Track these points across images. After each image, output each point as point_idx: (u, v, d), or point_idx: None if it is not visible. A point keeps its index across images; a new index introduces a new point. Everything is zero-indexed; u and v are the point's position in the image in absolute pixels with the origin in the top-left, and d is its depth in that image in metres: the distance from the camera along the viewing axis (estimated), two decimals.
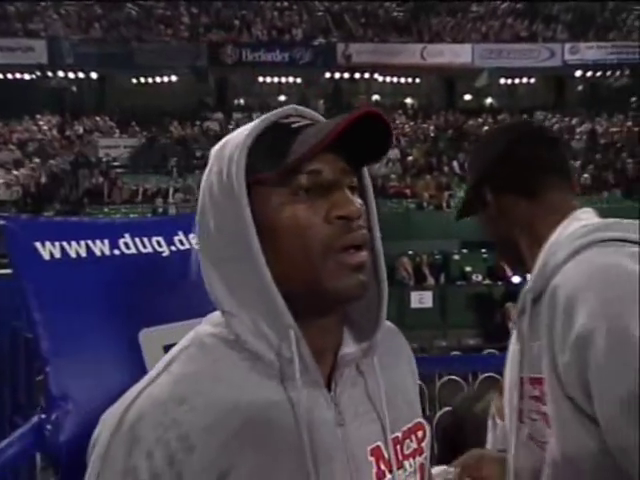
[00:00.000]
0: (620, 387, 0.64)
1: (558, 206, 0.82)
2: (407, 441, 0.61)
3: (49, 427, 0.77)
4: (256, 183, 0.54)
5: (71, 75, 15.25)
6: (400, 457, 0.59)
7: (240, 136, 0.56)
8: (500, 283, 7.97)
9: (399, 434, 0.60)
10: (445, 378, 4.94)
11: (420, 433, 0.63)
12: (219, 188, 0.55)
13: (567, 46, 15.82)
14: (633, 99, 15.93)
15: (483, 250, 8.71)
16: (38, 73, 15.03)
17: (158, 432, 0.51)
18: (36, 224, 0.92)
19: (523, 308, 0.78)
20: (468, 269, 8.60)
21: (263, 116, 0.57)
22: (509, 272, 8.04)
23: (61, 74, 15.21)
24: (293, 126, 0.56)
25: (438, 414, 4.15)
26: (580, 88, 17.76)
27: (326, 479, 0.52)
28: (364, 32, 16.27)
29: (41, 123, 14.41)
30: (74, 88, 16.56)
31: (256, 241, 0.52)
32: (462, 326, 7.53)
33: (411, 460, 0.61)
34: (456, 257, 8.87)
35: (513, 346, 0.82)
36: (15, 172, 11.67)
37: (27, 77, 15.12)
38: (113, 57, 14.80)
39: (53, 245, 0.87)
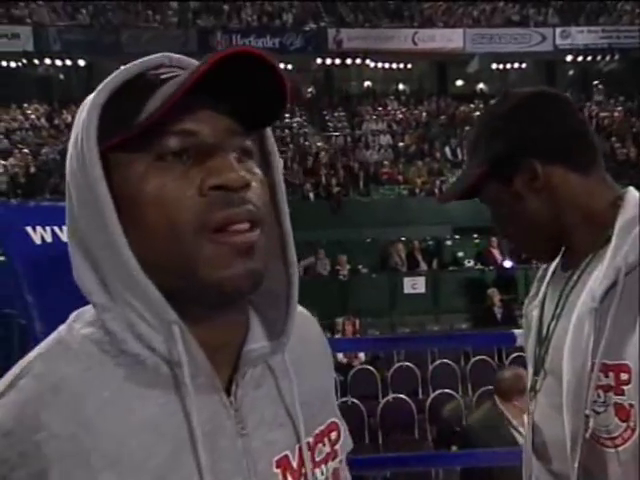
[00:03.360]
0: None
1: (608, 182, 0.77)
2: (319, 445, 0.53)
3: None
4: (113, 149, 0.44)
5: (58, 62, 14.99)
6: (310, 465, 0.51)
7: (92, 94, 0.45)
8: (491, 268, 8.05)
9: (310, 439, 0.52)
10: (437, 361, 5.03)
11: (334, 434, 0.55)
12: (75, 159, 0.45)
13: (558, 30, 15.78)
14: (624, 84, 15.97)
15: (475, 235, 8.77)
16: (24, 61, 14.76)
17: (1, 472, 0.40)
18: (27, 209, 0.94)
19: (612, 284, 0.69)
20: (460, 254, 8.67)
21: (126, 66, 0.46)
22: (499, 257, 8.12)
23: (48, 62, 14.96)
24: (162, 77, 0.45)
25: (431, 397, 4.24)
26: (571, 73, 17.77)
27: None
28: (355, 17, 16.11)
29: (29, 112, 14.20)
30: (61, 76, 16.30)
31: (115, 220, 0.43)
32: (454, 311, 7.62)
33: (323, 467, 0.53)
34: (448, 243, 8.94)
35: (577, 329, 0.72)
36: (3, 162, 11.53)
37: (13, 65, 14.86)
38: (100, 44, 14.57)
39: (44, 229, 0.88)
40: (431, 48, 15.57)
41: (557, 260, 0.85)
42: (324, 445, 0.54)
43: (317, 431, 0.54)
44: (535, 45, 15.77)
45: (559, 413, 0.75)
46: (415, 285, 7.78)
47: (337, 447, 0.55)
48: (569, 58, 16.20)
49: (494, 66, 16.74)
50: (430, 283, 7.86)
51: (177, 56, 0.49)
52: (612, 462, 0.69)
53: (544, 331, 0.81)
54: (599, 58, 16.16)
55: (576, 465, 0.71)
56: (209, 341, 0.46)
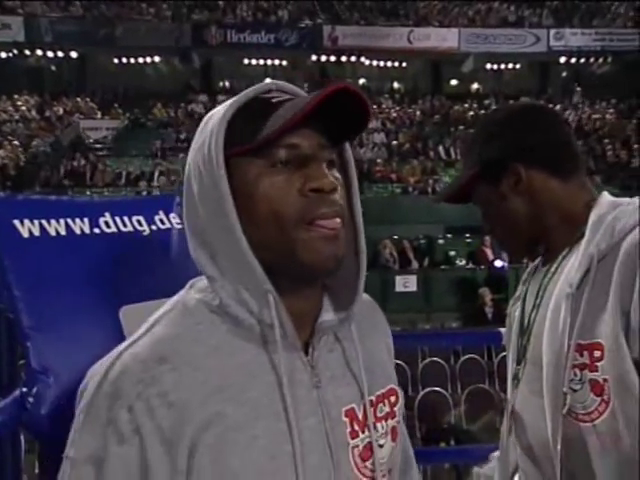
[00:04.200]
0: None
1: (586, 188, 0.84)
2: (380, 405, 0.64)
3: (30, 400, 0.78)
4: (235, 155, 0.56)
5: (50, 54, 14.81)
6: (373, 419, 0.62)
7: (222, 109, 0.58)
8: (483, 267, 8.10)
9: (373, 398, 0.63)
10: (427, 360, 5.05)
11: (393, 398, 0.66)
12: (202, 160, 0.57)
13: (552, 32, 15.87)
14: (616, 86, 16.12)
15: (467, 235, 8.82)
16: (15, 51, 14.57)
17: (138, 388, 0.53)
18: (15, 202, 0.92)
19: (586, 271, 0.75)
20: (452, 253, 8.72)
21: (245, 91, 0.59)
22: (491, 257, 8.18)
23: (39, 53, 14.77)
24: (273, 100, 0.58)
25: (420, 394, 4.27)
26: (564, 74, 17.88)
27: (302, 434, 0.56)
28: (350, 15, 16.08)
29: (19, 103, 14.02)
30: (53, 67, 16.12)
31: (233, 210, 0.55)
32: (445, 310, 7.66)
33: (383, 422, 0.64)
34: (440, 241, 8.98)
35: (554, 314, 0.78)
36: None
37: (4, 55, 14.65)
38: (93, 36, 14.40)
39: (32, 223, 0.87)
40: (426, 47, 15.60)
41: (538, 260, 0.91)
42: (384, 405, 0.65)
43: (378, 393, 0.65)
44: (529, 46, 15.85)
45: (539, 397, 0.79)
46: (407, 283, 7.82)
47: (395, 409, 0.66)
48: (562, 59, 16.30)
49: (488, 66, 16.81)
50: (422, 281, 7.90)
51: (282, 83, 0.61)
52: (590, 436, 0.74)
53: (525, 322, 0.86)
54: (592, 60, 16.27)
55: (559, 446, 0.75)
56: (294, 309, 0.58)
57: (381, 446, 0.63)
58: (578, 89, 16.47)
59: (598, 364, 0.73)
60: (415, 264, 8.31)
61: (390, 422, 0.65)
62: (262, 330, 0.57)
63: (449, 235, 9.26)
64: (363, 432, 0.61)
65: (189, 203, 0.59)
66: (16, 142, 11.92)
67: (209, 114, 0.61)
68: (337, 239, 0.56)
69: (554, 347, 0.77)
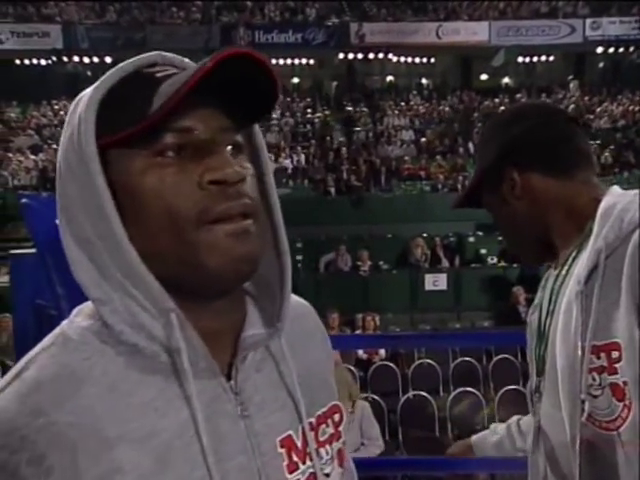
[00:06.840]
0: None
1: (592, 183, 0.80)
2: (322, 427, 0.55)
3: None
4: (113, 145, 0.45)
5: (86, 60, 15.30)
6: (315, 445, 0.53)
7: (91, 89, 0.47)
8: (515, 265, 7.91)
9: (313, 420, 0.54)
10: (459, 359, 4.96)
11: (337, 416, 0.57)
12: (72, 153, 0.46)
13: (588, 21, 15.31)
14: None
15: (498, 232, 8.61)
16: (54, 58, 15.12)
17: (1, 456, 0.42)
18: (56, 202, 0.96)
19: (594, 267, 0.71)
20: (483, 251, 8.54)
21: (120, 64, 0.48)
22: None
23: (76, 59, 15.28)
24: (157, 75, 0.47)
25: (452, 395, 4.20)
26: (601, 65, 17.23)
27: (229, 479, 0.46)
28: (378, 11, 15.95)
29: (57, 108, 14.55)
30: (89, 73, 16.66)
31: (114, 214, 0.45)
32: (476, 308, 7.52)
33: (327, 447, 0.55)
34: (471, 239, 8.82)
35: (566, 314, 0.74)
36: (33, 157, 11.86)
37: (43, 62, 15.23)
38: (126, 41, 14.81)
39: None
40: (455, 42, 15.31)
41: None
42: (327, 426, 0.56)
43: (319, 412, 0.55)
44: (564, 37, 15.34)
45: (560, 411, 0.75)
46: (436, 282, 7.70)
47: (340, 428, 0.57)
48: (599, 50, 15.71)
49: (520, 59, 16.36)
50: (452, 280, 7.77)
51: (170, 55, 0.51)
52: (615, 445, 0.68)
53: (542, 330, 0.82)
54: (631, 49, 15.62)
55: (577, 449, 0.70)
56: (207, 328, 0.48)
57: (327, 475, 0.53)
58: (570, 77, 15.84)
59: (617, 366, 0.67)
60: (445, 262, 8.19)
61: (335, 445, 0.56)
62: (170, 357, 0.46)
63: (480, 233, 9.08)
64: (304, 462, 0.51)
65: (65, 210, 0.47)
66: (55, 146, 12.37)
67: (78, 96, 0.49)
68: (248, 235, 0.46)
69: (568, 350, 0.72)
